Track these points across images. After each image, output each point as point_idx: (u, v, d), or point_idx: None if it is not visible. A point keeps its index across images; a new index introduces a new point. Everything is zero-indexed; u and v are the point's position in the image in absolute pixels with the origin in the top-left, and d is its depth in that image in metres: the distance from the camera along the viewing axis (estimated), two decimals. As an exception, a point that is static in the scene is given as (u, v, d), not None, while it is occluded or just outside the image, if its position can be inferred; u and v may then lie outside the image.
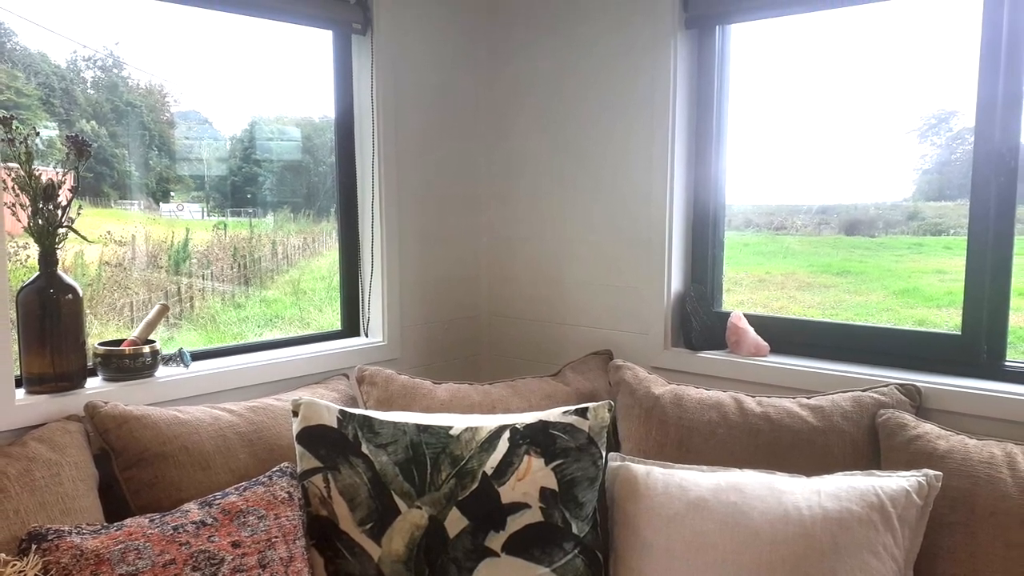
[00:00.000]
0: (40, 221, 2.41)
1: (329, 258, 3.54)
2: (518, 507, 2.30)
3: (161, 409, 2.46)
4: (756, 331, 3.00)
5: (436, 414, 2.58)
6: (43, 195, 2.40)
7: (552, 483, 2.33)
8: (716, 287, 3.21)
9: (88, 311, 2.61)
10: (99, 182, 2.96)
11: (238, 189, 3.35)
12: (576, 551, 2.30)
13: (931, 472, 2.20)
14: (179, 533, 2.03)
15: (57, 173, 2.46)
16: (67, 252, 2.75)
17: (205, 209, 3.31)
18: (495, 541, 2.28)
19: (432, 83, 3.47)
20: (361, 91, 3.30)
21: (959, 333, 2.65)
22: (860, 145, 2.89)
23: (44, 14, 2.68)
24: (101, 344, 2.63)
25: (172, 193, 3.19)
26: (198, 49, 3.02)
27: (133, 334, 2.69)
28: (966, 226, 2.60)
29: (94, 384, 2.55)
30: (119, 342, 2.66)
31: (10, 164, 2.37)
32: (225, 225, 3.35)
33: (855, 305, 2.99)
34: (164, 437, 2.36)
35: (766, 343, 2.98)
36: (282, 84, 3.32)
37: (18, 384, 2.42)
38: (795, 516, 2.15)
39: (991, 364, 2.59)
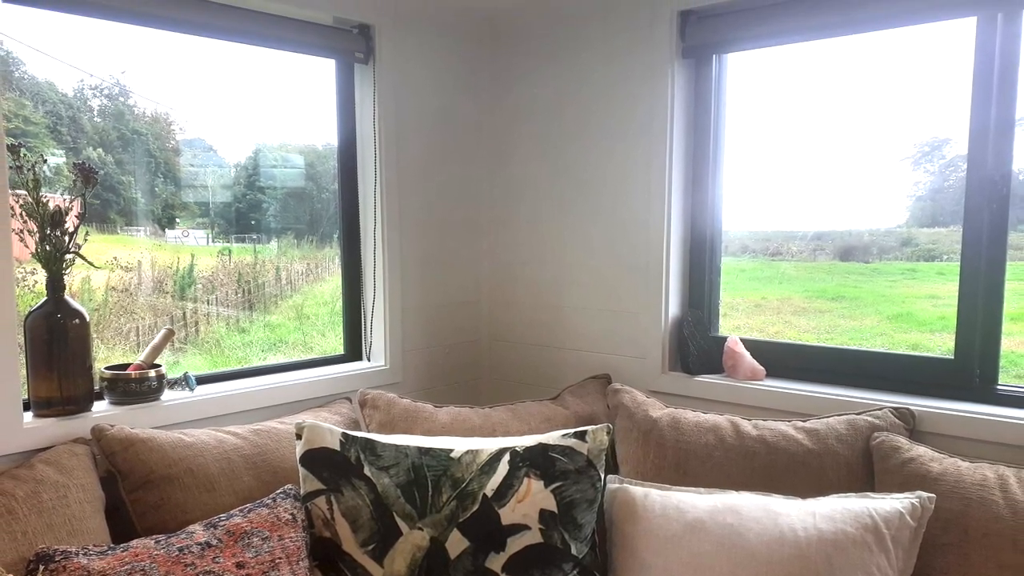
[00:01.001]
0: (47, 247, 2.43)
1: (332, 283, 3.57)
2: (518, 528, 2.32)
3: (167, 432, 2.49)
4: (752, 355, 3.03)
5: (437, 437, 2.61)
6: (50, 221, 2.43)
7: (551, 505, 2.35)
8: (713, 312, 3.24)
9: (95, 336, 2.63)
10: (106, 209, 2.99)
11: (242, 215, 3.38)
12: (575, 572, 2.33)
13: (924, 494, 2.22)
14: (184, 554, 2.05)
15: (64, 200, 2.49)
16: (74, 278, 2.78)
17: (210, 235, 3.34)
18: (495, 562, 2.30)
19: (433, 110, 3.51)
20: (363, 119, 3.33)
21: (952, 357, 2.67)
22: (855, 172, 2.92)
23: (52, 43, 2.72)
24: (107, 368, 2.66)
25: (177, 219, 3.22)
26: (203, 78, 3.06)
27: (139, 358, 2.71)
28: (959, 252, 2.63)
29: (100, 408, 2.58)
30: (125, 366, 2.69)
31: (18, 191, 2.39)
32: (230, 251, 3.38)
33: (850, 330, 3.02)
34: (170, 460, 2.39)
35: (762, 367, 3.01)
36: (286, 112, 3.36)
37: (26, 407, 2.45)
38: (791, 537, 2.17)
39: (983, 388, 2.61)
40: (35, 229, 2.42)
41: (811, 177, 3.02)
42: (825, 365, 2.94)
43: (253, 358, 3.33)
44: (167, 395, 2.73)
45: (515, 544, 2.31)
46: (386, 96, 3.28)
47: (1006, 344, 2.60)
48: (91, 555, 1.98)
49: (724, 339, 3.09)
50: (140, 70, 2.98)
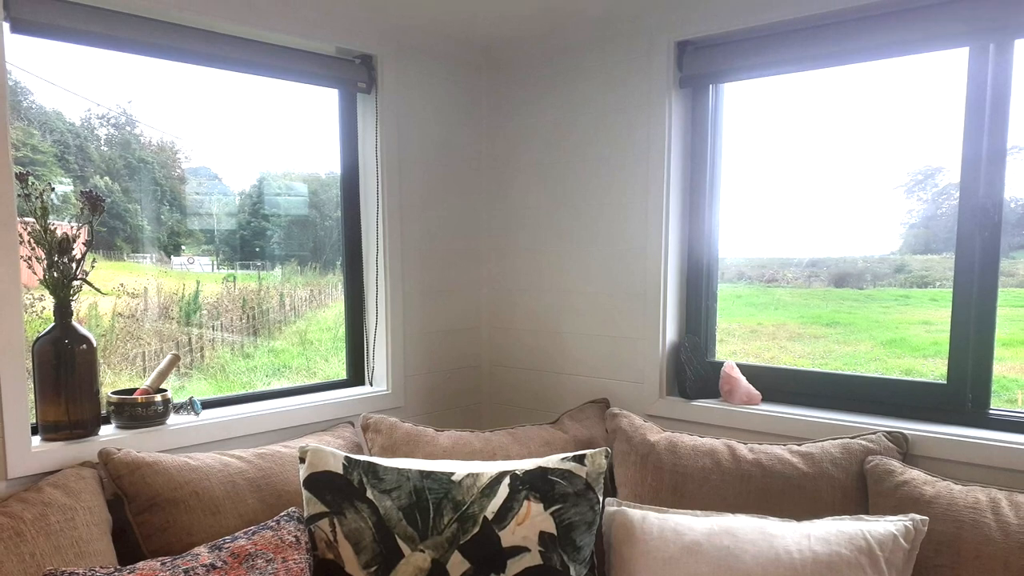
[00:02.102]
0: (55, 274, 2.47)
1: (335, 309, 3.59)
2: (518, 551, 2.34)
3: (172, 456, 2.52)
4: (748, 380, 3.05)
5: (439, 461, 2.63)
6: (58, 248, 2.46)
7: (551, 527, 2.37)
8: (709, 338, 3.27)
9: (102, 361, 2.65)
10: (112, 236, 3.02)
11: (247, 243, 3.41)
12: (574, 594, 2.35)
13: (917, 517, 2.25)
14: (190, 576, 2.08)
15: (72, 227, 2.53)
16: (81, 304, 2.80)
17: (215, 262, 3.37)
18: (496, 584, 2.33)
19: (434, 139, 3.56)
20: (366, 147, 3.38)
21: (945, 382, 2.70)
22: (849, 200, 2.95)
23: (59, 73, 2.76)
24: (114, 393, 2.68)
25: (183, 246, 3.25)
26: (208, 107, 3.09)
27: (145, 383, 2.74)
28: (951, 278, 2.66)
29: (107, 431, 2.61)
30: (132, 391, 2.71)
31: (26, 219, 2.42)
32: (234, 277, 3.40)
33: (844, 355, 3.04)
34: (175, 483, 2.41)
35: (758, 392, 3.03)
36: (290, 141, 3.39)
37: (34, 432, 2.47)
38: (786, 560, 2.19)
39: (976, 412, 2.64)
40: (43, 256, 2.45)
41: (806, 205, 3.05)
42: (820, 390, 2.97)
43: (257, 383, 3.36)
44: (173, 419, 2.76)
45: (515, 566, 2.33)
46: (388, 125, 3.33)
47: (998, 369, 2.62)
48: (98, 576, 2.01)
49: (720, 364, 3.12)
50: (146, 100, 3.01)
